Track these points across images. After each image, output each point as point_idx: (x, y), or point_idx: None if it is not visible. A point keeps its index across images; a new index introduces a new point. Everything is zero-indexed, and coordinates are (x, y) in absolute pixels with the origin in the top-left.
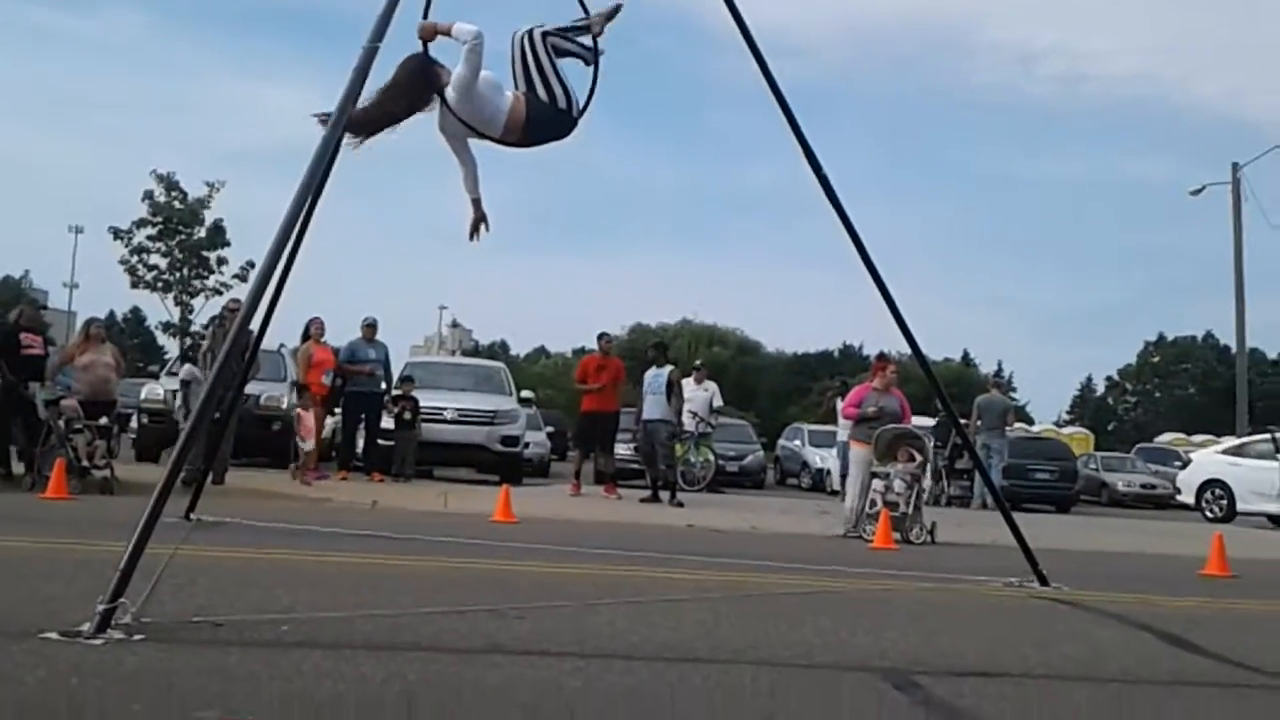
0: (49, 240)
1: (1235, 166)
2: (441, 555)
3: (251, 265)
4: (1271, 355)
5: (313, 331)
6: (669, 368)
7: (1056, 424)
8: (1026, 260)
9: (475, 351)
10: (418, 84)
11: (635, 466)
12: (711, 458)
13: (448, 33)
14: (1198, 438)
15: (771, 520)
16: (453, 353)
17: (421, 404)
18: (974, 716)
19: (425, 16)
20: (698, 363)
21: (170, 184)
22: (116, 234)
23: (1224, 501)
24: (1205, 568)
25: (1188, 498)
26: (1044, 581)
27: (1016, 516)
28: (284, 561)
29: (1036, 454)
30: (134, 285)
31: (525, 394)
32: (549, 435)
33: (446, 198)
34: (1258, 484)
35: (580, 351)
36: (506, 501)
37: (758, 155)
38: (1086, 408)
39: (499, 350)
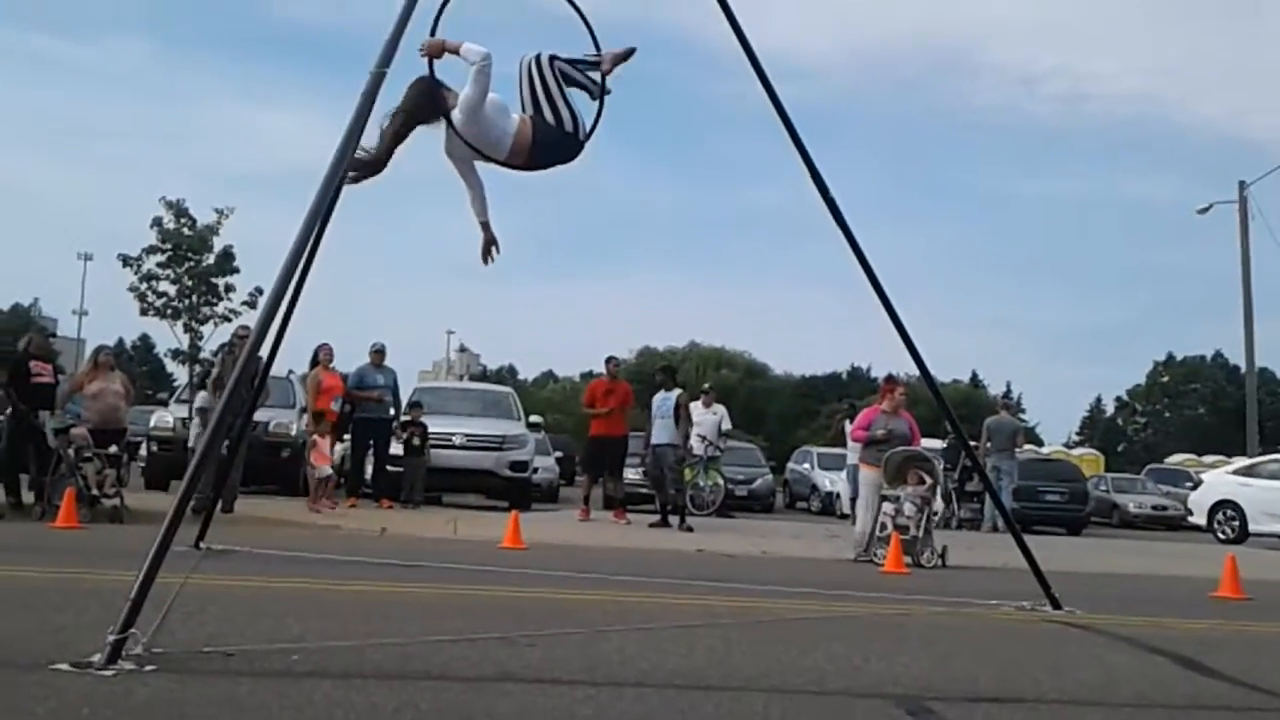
0: (58, 268)
1: (1242, 185)
2: (451, 582)
3: (260, 292)
4: None
5: (321, 358)
6: (677, 391)
7: (1066, 445)
8: (1034, 281)
9: (483, 376)
10: (425, 107)
11: (644, 491)
12: (720, 481)
13: (456, 52)
14: (1208, 458)
15: (781, 544)
16: (461, 378)
17: (430, 429)
18: None
19: (433, 34)
20: (706, 386)
21: (180, 211)
22: (126, 261)
23: (1236, 522)
24: (1218, 590)
25: (1199, 519)
26: (1056, 605)
27: (1027, 539)
28: (294, 590)
29: (1047, 476)
30: (143, 312)
31: (534, 419)
32: (557, 460)
33: (454, 222)
34: (1270, 504)
35: (588, 376)
36: (515, 527)
37: (762, 177)
38: (1096, 429)
39: (507, 375)
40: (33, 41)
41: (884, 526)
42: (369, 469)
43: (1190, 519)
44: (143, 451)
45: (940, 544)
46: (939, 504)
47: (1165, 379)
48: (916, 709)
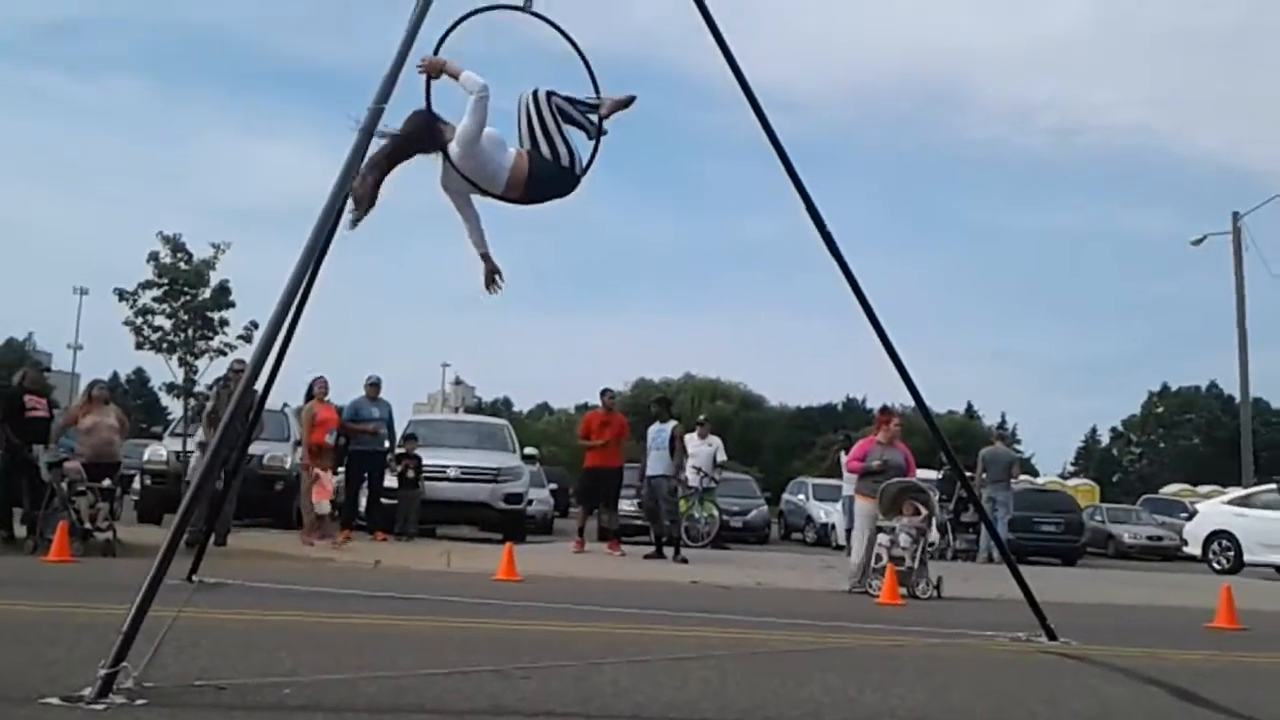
0: (53, 302)
1: (1235, 216)
2: (445, 615)
3: (255, 325)
4: (1276, 405)
5: (316, 391)
6: (672, 423)
7: (1061, 476)
8: (1029, 312)
9: (479, 409)
10: (422, 140)
11: (639, 523)
12: (715, 513)
13: (455, 77)
14: (1203, 488)
15: (777, 576)
16: (456, 410)
17: (425, 462)
18: None
19: (436, 54)
20: (701, 417)
21: (176, 245)
22: (122, 295)
23: (1231, 553)
24: (1213, 620)
25: (1194, 549)
26: (1052, 636)
27: (1023, 570)
28: (287, 623)
29: (1042, 506)
30: (139, 346)
31: (529, 451)
32: (552, 492)
33: (449, 256)
34: (1265, 535)
35: (583, 408)
36: (510, 560)
37: (756, 209)
38: (1091, 459)
39: (502, 407)
40: (31, 77)
41: (879, 558)
42: (363, 502)
43: (1185, 549)
44: (136, 485)
45: (935, 575)
46: (934, 535)
47: (1160, 409)
48: None
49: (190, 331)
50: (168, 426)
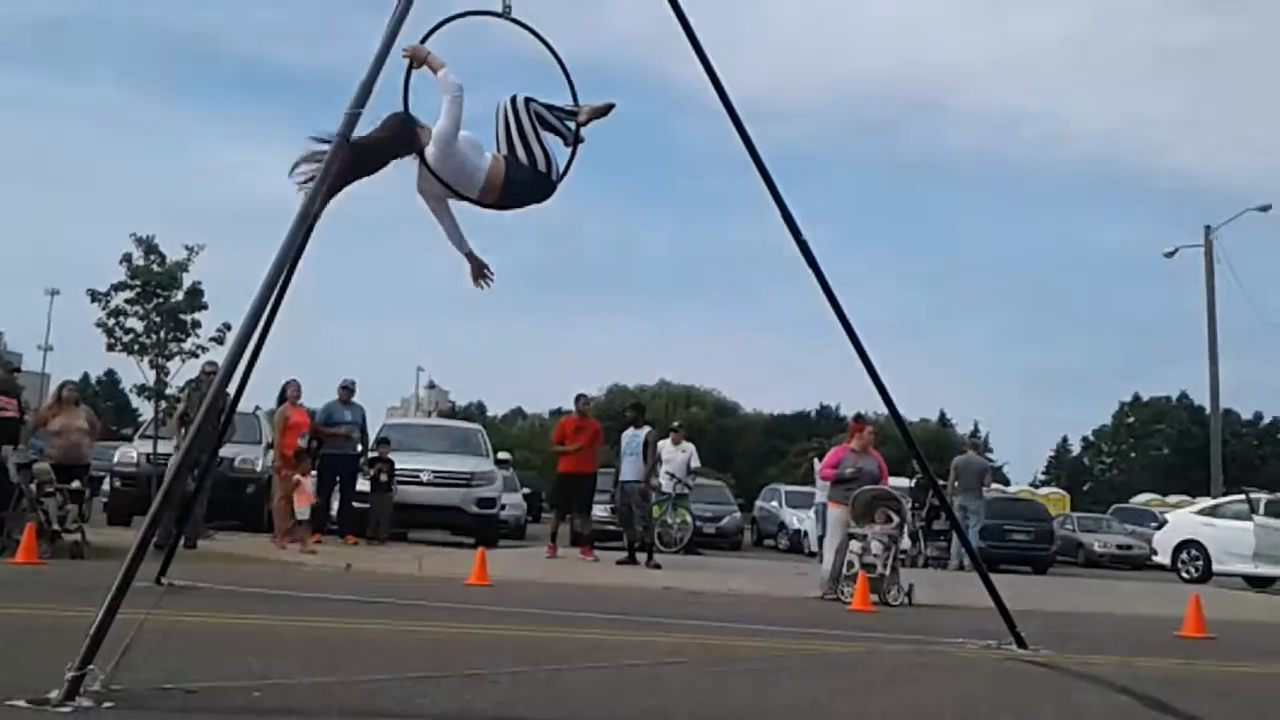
0: (23, 303)
1: (1208, 230)
2: (417, 619)
3: (228, 328)
4: (1245, 416)
5: (289, 394)
6: (647, 429)
7: (1033, 485)
8: (1003, 321)
9: (452, 413)
10: (398, 143)
11: (612, 528)
12: (689, 519)
13: (435, 71)
14: (1173, 498)
15: (749, 582)
16: (429, 414)
17: (397, 466)
18: None
19: (423, 43)
20: (676, 424)
21: (150, 247)
22: (94, 297)
23: (1200, 562)
24: (1183, 629)
25: (1164, 558)
26: (1022, 644)
27: (994, 578)
28: (257, 626)
29: (1013, 515)
30: (110, 348)
31: (502, 455)
32: (525, 497)
33: (423, 259)
34: (1233, 544)
35: (558, 413)
36: (482, 564)
37: (731, 216)
38: (1062, 468)
39: (476, 411)
40: (3, 77)
41: (851, 565)
42: (335, 505)
43: (1155, 559)
44: (106, 487)
45: (907, 582)
46: (906, 542)
47: (1131, 419)
48: None
49: (162, 333)
50: (138, 429)
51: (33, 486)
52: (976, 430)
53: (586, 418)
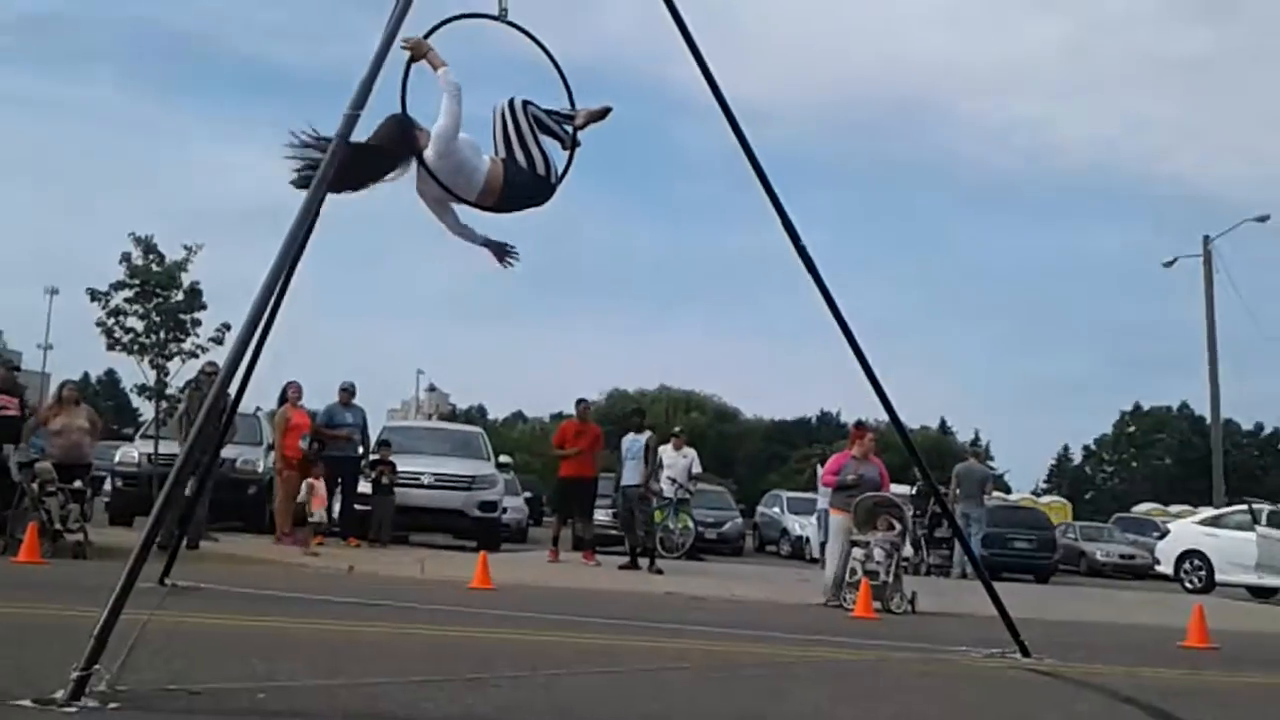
0: (23, 302)
1: (1206, 239)
2: (419, 622)
3: (227, 328)
4: (1246, 426)
5: (290, 395)
6: (647, 433)
7: (1034, 493)
8: (1003, 329)
9: (453, 416)
10: (396, 145)
11: (614, 533)
12: (690, 524)
13: (435, 68)
14: (1174, 508)
15: (751, 588)
16: (430, 417)
17: (399, 469)
18: None
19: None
20: (677, 429)
21: (149, 247)
22: (94, 296)
23: (1203, 572)
24: (1186, 639)
25: (1167, 568)
26: (1025, 652)
27: (996, 586)
28: (260, 628)
29: (1015, 523)
30: (110, 347)
31: (503, 459)
32: (526, 500)
33: (425, 261)
34: (1236, 555)
35: (558, 417)
36: (484, 568)
37: (734, 221)
38: (1064, 477)
39: (476, 415)
40: (2, 77)
41: (854, 572)
42: (336, 507)
43: (1158, 568)
44: (107, 486)
45: (910, 590)
46: (908, 550)
47: (1132, 429)
48: None
49: (162, 333)
50: (139, 428)
51: (34, 486)
52: (977, 438)
53: (587, 422)
